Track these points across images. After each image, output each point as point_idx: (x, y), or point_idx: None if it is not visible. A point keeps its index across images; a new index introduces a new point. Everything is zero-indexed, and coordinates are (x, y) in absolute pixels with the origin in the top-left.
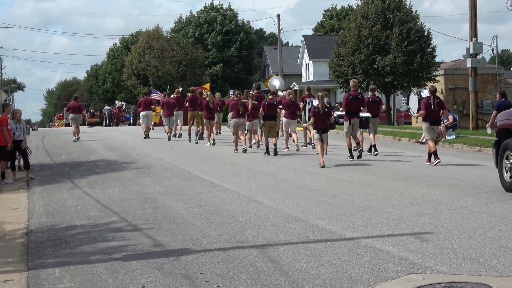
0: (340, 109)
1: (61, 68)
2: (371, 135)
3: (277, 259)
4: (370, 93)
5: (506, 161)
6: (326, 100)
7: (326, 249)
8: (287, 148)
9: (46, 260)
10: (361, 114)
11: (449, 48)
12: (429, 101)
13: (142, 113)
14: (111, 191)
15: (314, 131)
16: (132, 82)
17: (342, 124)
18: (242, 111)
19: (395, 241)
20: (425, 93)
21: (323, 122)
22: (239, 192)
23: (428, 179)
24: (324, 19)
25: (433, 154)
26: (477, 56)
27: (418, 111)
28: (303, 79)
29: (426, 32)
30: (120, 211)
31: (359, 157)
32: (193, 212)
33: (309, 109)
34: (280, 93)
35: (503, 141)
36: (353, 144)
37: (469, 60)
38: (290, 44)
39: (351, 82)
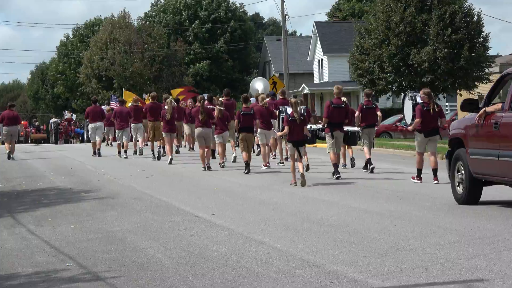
0: (320, 122)
1: (0, 68)
2: (367, 149)
3: None
4: (364, 99)
5: (457, 173)
6: (302, 107)
7: None
8: (267, 165)
9: None
10: (347, 128)
11: (508, 38)
12: (425, 108)
13: (90, 126)
14: (64, 229)
15: (289, 144)
16: (92, 85)
17: (324, 138)
18: (203, 119)
19: None
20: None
21: (299, 133)
22: (232, 229)
23: (479, 210)
24: (341, 1)
25: (417, 171)
26: None
27: (413, 120)
28: (316, 79)
29: (476, 16)
30: (76, 255)
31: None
32: (172, 255)
33: (283, 118)
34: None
35: (455, 151)
36: (341, 161)
37: None
38: (298, 34)
39: (334, 89)
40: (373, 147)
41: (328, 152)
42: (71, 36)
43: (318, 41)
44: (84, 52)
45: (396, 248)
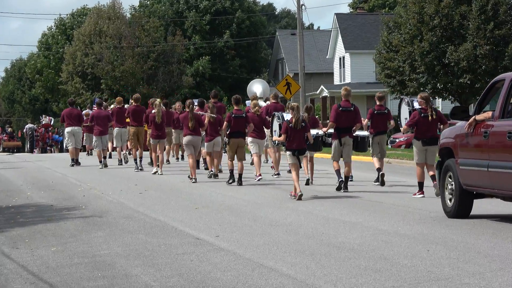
0: (327, 127)
1: None
2: (376, 159)
3: None
4: (376, 103)
5: (447, 184)
6: (301, 112)
7: None
8: (260, 175)
9: None
10: (356, 133)
11: None
12: (422, 114)
13: (66, 130)
14: (44, 252)
15: (289, 152)
16: (75, 85)
17: (331, 144)
18: (193, 126)
19: None
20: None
21: (300, 141)
22: (239, 254)
23: None
24: None
25: (418, 185)
26: None
27: (410, 127)
28: (336, 80)
29: None
30: (58, 282)
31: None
32: (169, 284)
33: (280, 125)
34: (261, 103)
35: (445, 161)
36: (342, 171)
37: None
38: (316, 27)
39: (342, 91)
40: (385, 157)
41: (333, 161)
42: (54, 28)
43: (340, 35)
44: (67, 46)
45: (429, 277)
